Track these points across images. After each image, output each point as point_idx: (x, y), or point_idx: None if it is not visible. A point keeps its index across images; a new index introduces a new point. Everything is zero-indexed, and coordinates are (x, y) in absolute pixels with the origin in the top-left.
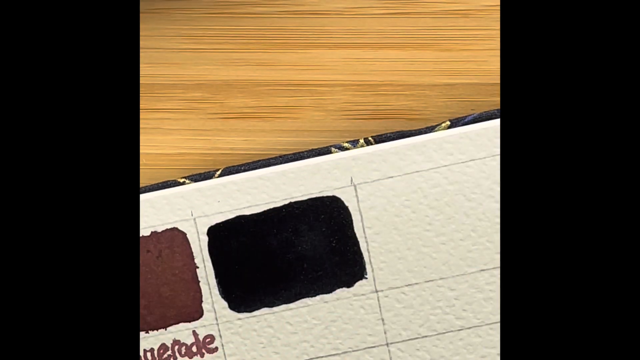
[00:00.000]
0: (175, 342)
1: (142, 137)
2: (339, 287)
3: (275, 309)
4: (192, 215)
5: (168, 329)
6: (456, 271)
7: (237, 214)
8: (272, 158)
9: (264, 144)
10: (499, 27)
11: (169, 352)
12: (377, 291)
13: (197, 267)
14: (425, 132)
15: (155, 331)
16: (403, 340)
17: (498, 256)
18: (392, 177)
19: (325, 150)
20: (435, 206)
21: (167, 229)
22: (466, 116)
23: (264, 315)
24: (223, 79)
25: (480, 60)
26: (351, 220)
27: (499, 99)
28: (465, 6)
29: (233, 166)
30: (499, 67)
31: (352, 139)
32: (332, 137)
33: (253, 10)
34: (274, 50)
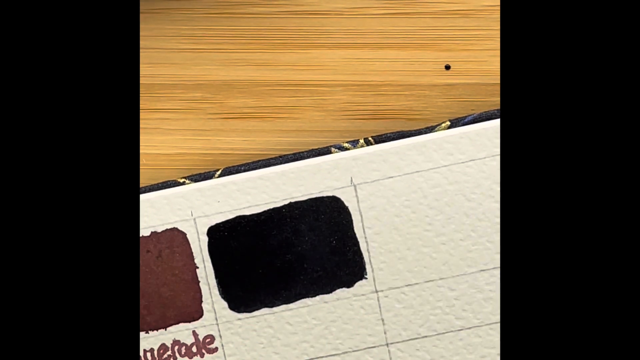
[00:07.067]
0: (175, 342)
1: (142, 137)
2: (339, 287)
3: (275, 309)
4: (192, 215)
5: (168, 329)
6: (456, 271)
7: (237, 214)
8: (272, 158)
9: (264, 144)
10: (499, 27)
11: (169, 352)
12: (377, 291)
13: (197, 267)
14: (425, 132)
15: (155, 331)
16: (403, 341)
17: (498, 256)
18: (392, 177)
19: (325, 150)
20: (435, 206)
21: (167, 229)
22: (466, 116)
23: (264, 315)
24: (223, 79)
25: (480, 60)
26: (351, 220)
27: (499, 99)
28: (465, 6)
29: (233, 166)
30: (499, 67)
31: (352, 139)
32: (332, 137)
33: (253, 10)
34: (274, 50)
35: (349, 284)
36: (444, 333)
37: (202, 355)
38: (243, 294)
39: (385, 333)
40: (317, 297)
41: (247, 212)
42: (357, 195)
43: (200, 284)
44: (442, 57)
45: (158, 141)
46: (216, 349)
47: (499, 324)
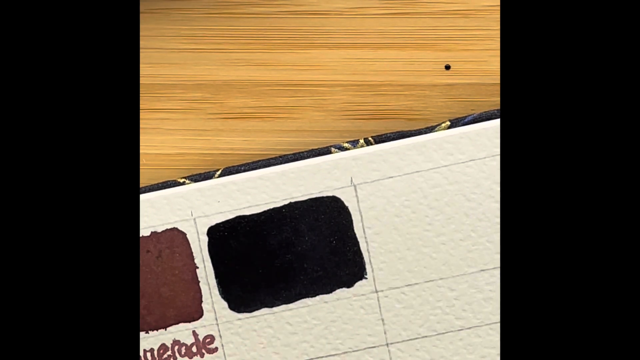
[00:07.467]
0: (175, 342)
1: (142, 137)
2: (338, 287)
3: (275, 309)
4: (192, 215)
5: (168, 329)
6: (456, 271)
7: (237, 214)
8: (272, 158)
9: (264, 144)
10: (499, 27)
11: (169, 352)
12: (377, 291)
13: (197, 267)
14: (425, 132)
15: (155, 331)
16: (403, 341)
17: (498, 256)
18: (392, 177)
19: (325, 150)
20: (435, 206)
21: (167, 229)
22: (466, 116)
23: (264, 315)
24: (223, 79)
25: (480, 60)
26: (351, 221)
27: (499, 99)
28: (465, 6)
29: (233, 166)
30: (499, 67)
31: (352, 139)
32: (332, 137)
33: (253, 10)
34: (274, 50)
35: (349, 284)
36: (444, 333)
37: (202, 355)
38: (243, 294)
39: (385, 333)
40: (317, 297)
41: (247, 212)
42: (357, 195)
43: (200, 284)
44: (442, 57)
45: (158, 141)
46: (216, 349)
47: (499, 324)
